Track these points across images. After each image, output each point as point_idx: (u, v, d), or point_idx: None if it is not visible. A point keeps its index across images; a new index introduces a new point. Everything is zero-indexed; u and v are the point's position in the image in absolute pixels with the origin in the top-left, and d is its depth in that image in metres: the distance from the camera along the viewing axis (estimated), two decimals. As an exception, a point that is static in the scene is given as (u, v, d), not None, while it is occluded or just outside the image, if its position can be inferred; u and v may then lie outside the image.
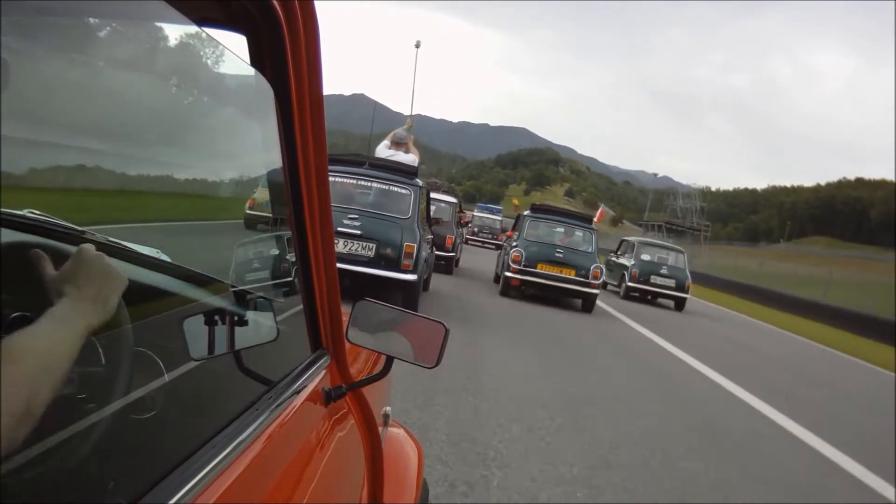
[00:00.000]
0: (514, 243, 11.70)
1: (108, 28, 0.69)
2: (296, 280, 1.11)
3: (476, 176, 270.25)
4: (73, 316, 0.58)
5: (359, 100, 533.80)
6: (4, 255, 0.60)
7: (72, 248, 0.66)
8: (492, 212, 24.47)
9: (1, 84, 0.50)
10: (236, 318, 0.94)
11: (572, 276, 11.01)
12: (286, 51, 0.88)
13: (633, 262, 16.03)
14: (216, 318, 0.87)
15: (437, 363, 1.22)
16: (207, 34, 0.81)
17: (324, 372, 1.16)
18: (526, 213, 12.29)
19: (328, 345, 1.22)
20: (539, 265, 11.08)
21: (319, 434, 1.07)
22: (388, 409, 1.70)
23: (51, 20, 0.61)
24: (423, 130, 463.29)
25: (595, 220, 13.22)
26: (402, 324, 1.25)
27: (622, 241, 17.89)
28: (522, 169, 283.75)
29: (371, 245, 6.73)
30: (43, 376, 0.52)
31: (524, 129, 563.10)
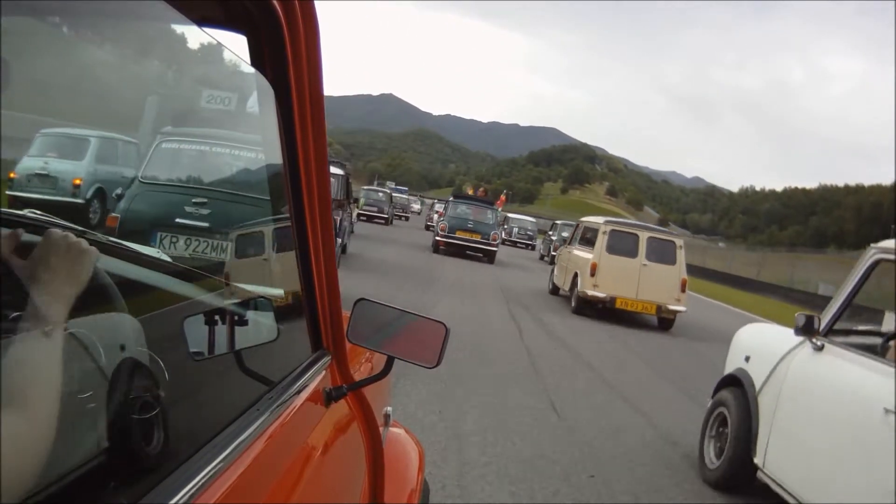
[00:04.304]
0: (443, 219, 18.52)
1: (108, 28, 0.69)
2: (297, 280, 1.11)
3: (507, 174, 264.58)
4: (52, 298, 0.60)
5: (387, 99, 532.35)
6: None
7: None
8: (401, 192, 27.74)
9: (1, 84, 0.50)
10: (237, 318, 0.94)
11: (479, 239, 17.83)
12: (286, 51, 0.88)
13: (556, 238, 22.64)
14: (216, 317, 0.86)
15: (438, 363, 1.22)
16: (207, 34, 0.81)
17: (324, 372, 1.16)
18: (450, 199, 19.96)
19: (329, 345, 1.21)
20: (458, 232, 17.80)
21: (320, 434, 1.07)
22: (389, 409, 1.70)
23: (51, 20, 0.61)
24: (453, 130, 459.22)
25: (497, 204, 22.60)
26: (402, 323, 1.25)
27: (553, 223, 25.25)
28: (557, 166, 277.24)
29: (224, 245, 4.39)
30: (40, 360, 0.54)
31: (554, 129, 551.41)
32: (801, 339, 3.40)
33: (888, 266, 3.17)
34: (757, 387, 3.62)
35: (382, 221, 26.77)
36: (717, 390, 4.09)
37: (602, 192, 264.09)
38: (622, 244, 10.19)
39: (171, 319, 0.84)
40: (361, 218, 24.91)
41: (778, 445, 3.36)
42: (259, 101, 0.97)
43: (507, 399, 5.10)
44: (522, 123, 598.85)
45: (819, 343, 3.28)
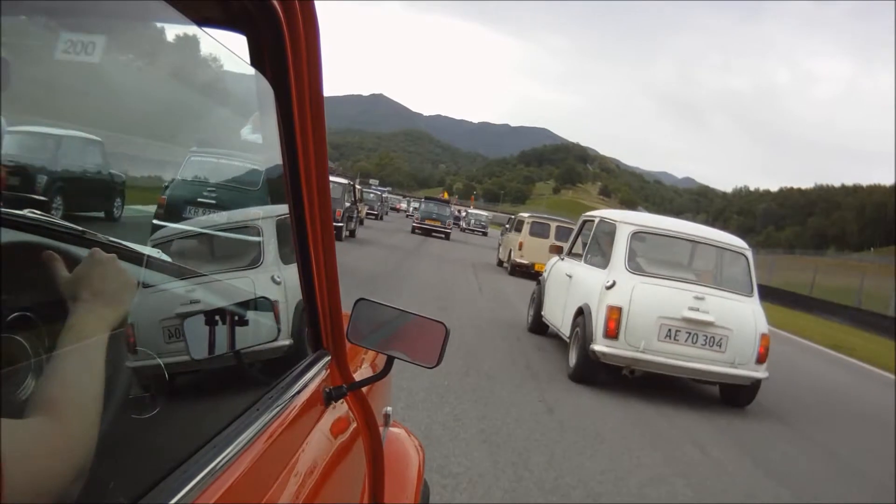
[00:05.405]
0: (417, 211, 30.11)
1: (108, 28, 0.69)
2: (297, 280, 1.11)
3: (498, 173, 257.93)
4: (92, 318, 0.59)
5: (377, 99, 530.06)
6: (5, 255, 0.60)
7: (72, 248, 0.66)
8: (382, 191, 44.76)
9: (1, 84, 0.50)
10: (237, 317, 0.94)
11: (439, 224, 27.92)
12: (286, 51, 0.88)
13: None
14: (217, 318, 0.86)
15: (438, 363, 1.22)
16: (207, 34, 0.81)
17: (324, 372, 1.16)
18: (422, 199, 34.21)
19: (329, 345, 1.21)
20: (426, 220, 27.94)
21: (320, 434, 1.07)
22: (389, 408, 1.70)
23: (51, 20, 0.61)
24: (444, 131, 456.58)
25: (451, 201, 44.97)
26: (402, 323, 1.25)
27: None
28: (549, 166, 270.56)
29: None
30: (78, 377, 0.54)
31: (545, 130, 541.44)
32: (557, 258, 7.91)
33: (586, 222, 7.48)
34: (545, 280, 8.00)
35: (374, 217, 34.14)
36: (535, 285, 8.45)
37: (595, 192, 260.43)
38: (539, 230, 15.91)
39: (170, 318, 0.84)
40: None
41: (547, 303, 7.75)
42: (259, 101, 0.97)
43: (468, 304, 10.15)
44: (513, 124, 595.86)
45: (562, 258, 7.75)
